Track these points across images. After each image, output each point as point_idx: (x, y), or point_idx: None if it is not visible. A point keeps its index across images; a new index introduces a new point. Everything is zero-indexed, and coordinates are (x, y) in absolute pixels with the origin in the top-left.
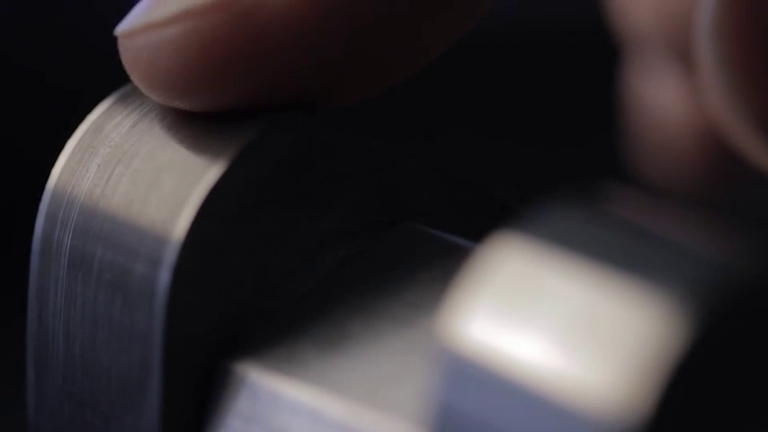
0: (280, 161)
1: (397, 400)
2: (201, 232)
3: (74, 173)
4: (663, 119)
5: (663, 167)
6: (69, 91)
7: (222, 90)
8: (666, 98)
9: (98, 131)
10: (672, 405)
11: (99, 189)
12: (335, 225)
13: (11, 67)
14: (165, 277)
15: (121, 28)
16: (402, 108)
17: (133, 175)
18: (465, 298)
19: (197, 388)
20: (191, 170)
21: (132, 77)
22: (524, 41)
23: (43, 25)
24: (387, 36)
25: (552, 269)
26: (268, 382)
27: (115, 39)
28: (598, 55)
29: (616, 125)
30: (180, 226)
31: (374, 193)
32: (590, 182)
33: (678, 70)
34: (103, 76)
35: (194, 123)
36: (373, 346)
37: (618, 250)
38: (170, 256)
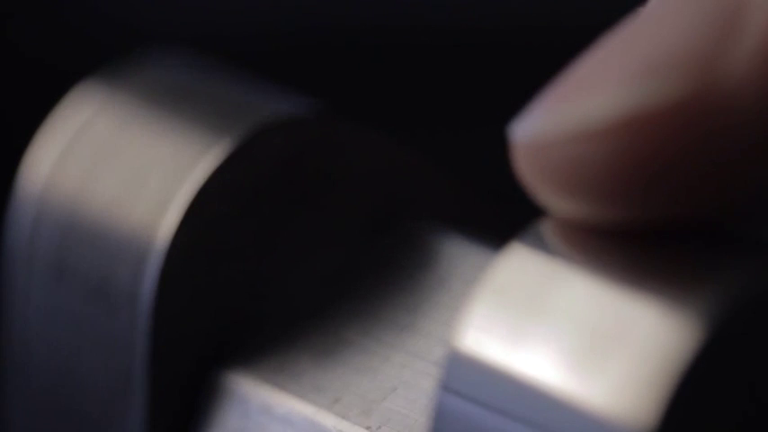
0: (272, 161)
1: (395, 414)
2: (188, 236)
3: (54, 173)
4: None
5: None
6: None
7: (656, 205)
8: None
9: (74, 125)
10: (677, 416)
11: (79, 189)
12: (333, 226)
13: (15, 56)
14: (149, 283)
15: (527, 133)
16: (402, 107)
17: (117, 174)
18: (472, 309)
19: (184, 400)
20: (177, 170)
21: (531, 186)
22: (529, 40)
23: (47, 16)
24: None
25: (561, 279)
26: (259, 394)
27: (117, 32)
28: None
29: None
30: (165, 229)
31: (373, 193)
32: None
33: None
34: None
35: (182, 121)
36: (371, 354)
37: (626, 260)
38: (154, 261)
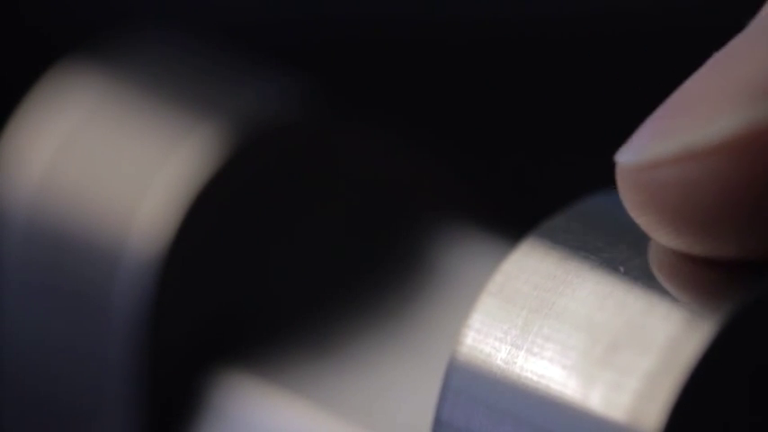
0: (271, 162)
1: (392, 420)
2: (188, 240)
3: (43, 178)
4: None
5: None
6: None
7: (745, 235)
8: None
9: (56, 121)
10: (683, 419)
11: (72, 193)
12: (331, 227)
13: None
14: (146, 286)
15: (633, 157)
16: (403, 108)
17: (107, 178)
18: (476, 310)
19: (181, 400)
20: (174, 174)
21: (637, 213)
22: (534, 36)
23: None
24: None
25: (567, 282)
26: (258, 393)
27: (121, 13)
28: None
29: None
30: (164, 235)
31: (373, 193)
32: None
33: None
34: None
35: (168, 113)
36: (370, 356)
37: (633, 261)
38: (154, 265)
